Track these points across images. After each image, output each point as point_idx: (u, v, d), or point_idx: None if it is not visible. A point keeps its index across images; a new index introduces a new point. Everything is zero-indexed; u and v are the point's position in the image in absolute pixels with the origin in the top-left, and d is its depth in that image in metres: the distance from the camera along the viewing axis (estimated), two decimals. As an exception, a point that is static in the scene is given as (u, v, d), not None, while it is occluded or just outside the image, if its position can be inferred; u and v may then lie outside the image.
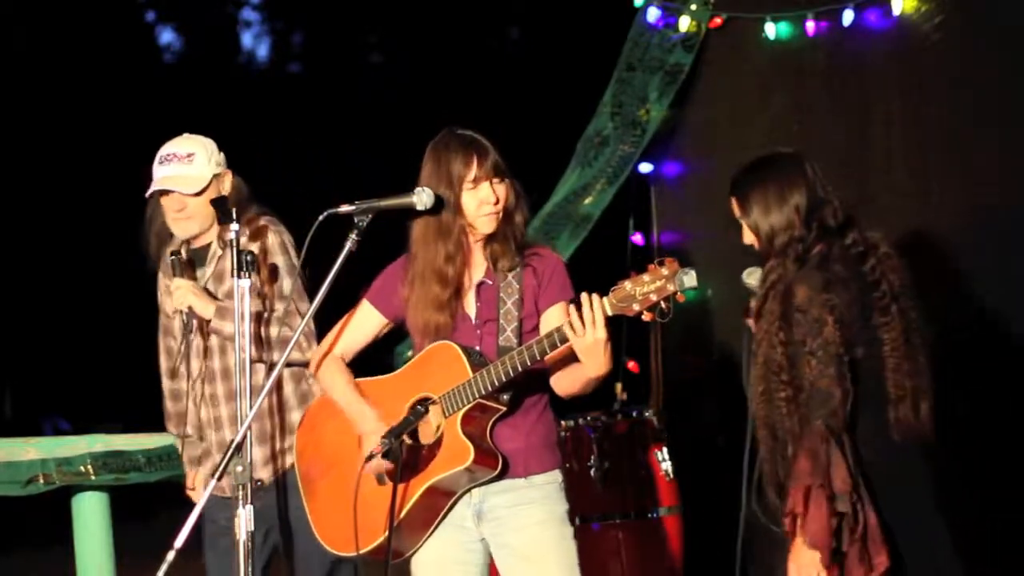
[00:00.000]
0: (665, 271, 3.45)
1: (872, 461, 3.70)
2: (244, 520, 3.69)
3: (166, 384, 4.71)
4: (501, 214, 3.77)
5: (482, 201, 3.74)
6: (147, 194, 4.50)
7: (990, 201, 5.56)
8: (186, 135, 4.57)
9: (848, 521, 3.63)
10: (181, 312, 4.42)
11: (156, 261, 4.66)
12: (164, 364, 4.70)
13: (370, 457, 3.70)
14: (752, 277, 3.84)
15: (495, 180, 3.75)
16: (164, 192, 4.45)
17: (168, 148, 4.50)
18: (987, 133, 5.58)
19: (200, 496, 4.53)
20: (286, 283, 4.44)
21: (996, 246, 5.53)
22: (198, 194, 4.42)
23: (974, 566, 3.87)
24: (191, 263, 4.50)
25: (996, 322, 5.52)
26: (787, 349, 3.73)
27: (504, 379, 3.62)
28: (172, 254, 4.47)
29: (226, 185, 4.50)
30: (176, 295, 4.41)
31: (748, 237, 3.86)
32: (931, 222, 5.70)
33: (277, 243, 4.48)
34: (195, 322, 4.43)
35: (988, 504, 5.53)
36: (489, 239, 3.79)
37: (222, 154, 4.54)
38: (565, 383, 3.77)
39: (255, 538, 3.70)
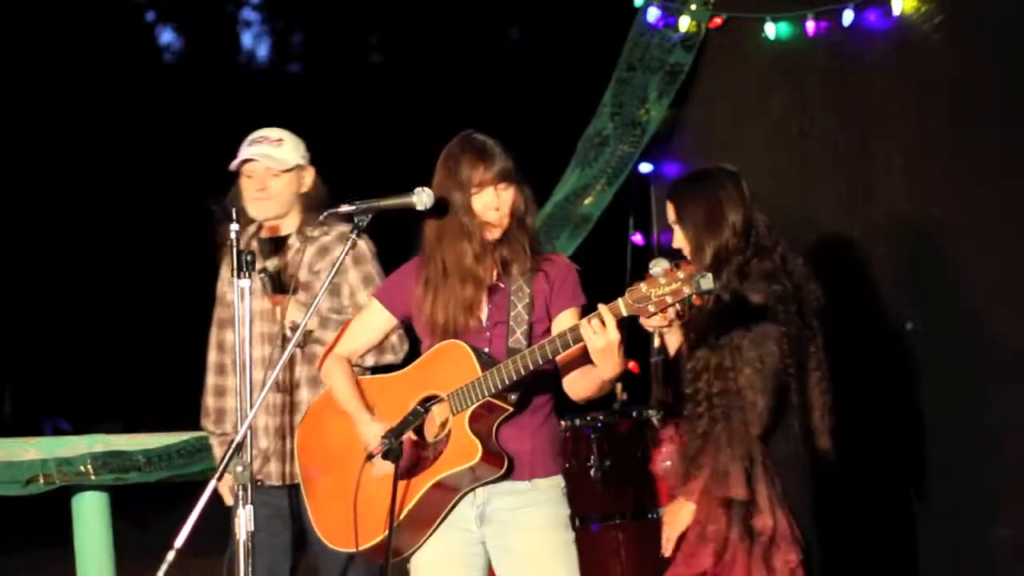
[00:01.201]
0: (681, 274, 3.46)
1: (786, 464, 4.05)
2: (244, 520, 3.69)
3: (211, 379, 4.72)
4: (508, 219, 3.78)
5: (486, 206, 3.76)
6: (232, 166, 4.61)
7: (990, 201, 5.56)
8: (277, 128, 4.70)
9: (737, 525, 3.99)
10: (284, 325, 4.46)
11: (222, 250, 4.68)
12: (213, 358, 4.73)
13: (370, 457, 3.71)
14: (658, 267, 3.94)
15: (500, 186, 3.76)
16: (245, 170, 4.55)
17: (259, 132, 4.65)
18: (987, 133, 5.57)
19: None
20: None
21: (996, 246, 5.53)
22: (280, 174, 4.55)
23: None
24: (278, 276, 4.55)
25: (1005, 319, 5.51)
26: (722, 353, 4.01)
27: (515, 377, 3.64)
28: (260, 272, 4.51)
29: (307, 180, 4.63)
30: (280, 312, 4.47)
31: (679, 242, 4.11)
32: (931, 222, 5.69)
33: (369, 250, 4.58)
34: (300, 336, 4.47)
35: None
36: (499, 244, 3.80)
37: (309, 153, 4.67)
38: (580, 387, 3.78)
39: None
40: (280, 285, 4.51)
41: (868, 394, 5.62)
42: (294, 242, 4.59)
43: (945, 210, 5.66)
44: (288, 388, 4.52)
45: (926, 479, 5.60)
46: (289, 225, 4.60)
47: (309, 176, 4.63)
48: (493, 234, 3.79)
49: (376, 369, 4.44)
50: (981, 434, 5.50)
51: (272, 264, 4.56)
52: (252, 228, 4.64)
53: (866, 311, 5.75)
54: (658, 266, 4.02)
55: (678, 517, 4.09)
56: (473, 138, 3.83)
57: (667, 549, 4.13)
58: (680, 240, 4.16)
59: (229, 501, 4.63)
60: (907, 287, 5.71)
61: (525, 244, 3.80)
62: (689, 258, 4.13)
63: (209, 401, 4.72)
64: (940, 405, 5.59)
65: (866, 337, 5.71)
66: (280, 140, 4.60)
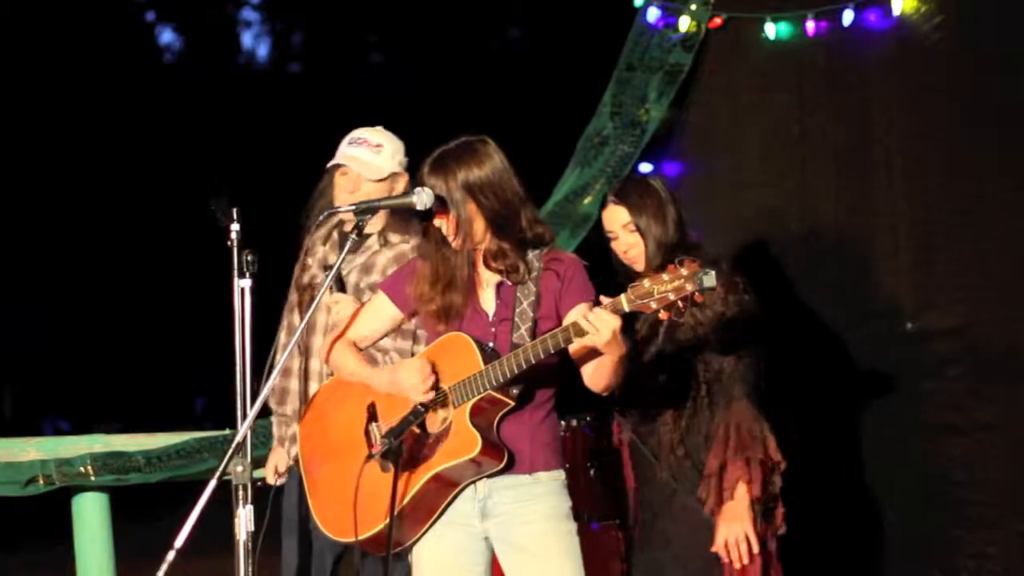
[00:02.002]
0: (684, 271, 3.49)
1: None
2: (244, 520, 3.69)
3: (279, 359, 4.75)
4: (461, 241, 3.77)
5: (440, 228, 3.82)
6: (329, 165, 4.65)
7: (990, 201, 5.56)
8: (380, 128, 4.73)
9: (773, 490, 4.26)
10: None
11: (306, 232, 4.75)
12: (282, 339, 4.77)
13: (371, 457, 3.72)
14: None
15: (439, 214, 3.78)
16: (341, 169, 4.60)
17: (361, 132, 4.69)
18: (987, 133, 5.58)
19: (277, 479, 4.70)
20: None
21: (996, 246, 5.53)
22: (375, 181, 4.57)
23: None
24: (340, 279, 4.60)
25: (1006, 319, 5.51)
26: (701, 334, 4.28)
27: (516, 371, 3.65)
28: (326, 268, 4.58)
29: (399, 187, 4.64)
30: (336, 308, 4.51)
31: (626, 244, 4.39)
32: (930, 222, 5.69)
33: None
34: None
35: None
36: (487, 256, 3.82)
37: (407, 158, 4.69)
38: (598, 378, 3.78)
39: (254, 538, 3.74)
40: (343, 284, 4.54)
41: (867, 393, 5.62)
42: (373, 243, 4.62)
43: (945, 210, 5.65)
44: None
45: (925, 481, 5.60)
46: (372, 225, 4.61)
47: (402, 183, 4.64)
48: (462, 248, 3.81)
49: None
50: (981, 433, 5.50)
51: (346, 261, 4.58)
52: (335, 220, 4.68)
53: (865, 310, 5.75)
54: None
55: (740, 513, 4.24)
56: (443, 149, 3.82)
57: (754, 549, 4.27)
58: (628, 242, 4.38)
59: (271, 479, 4.71)
60: (907, 286, 5.71)
61: (509, 249, 3.80)
62: (643, 252, 4.34)
63: (276, 379, 4.76)
64: (939, 404, 5.59)
65: (865, 335, 5.71)
66: (380, 146, 4.64)
